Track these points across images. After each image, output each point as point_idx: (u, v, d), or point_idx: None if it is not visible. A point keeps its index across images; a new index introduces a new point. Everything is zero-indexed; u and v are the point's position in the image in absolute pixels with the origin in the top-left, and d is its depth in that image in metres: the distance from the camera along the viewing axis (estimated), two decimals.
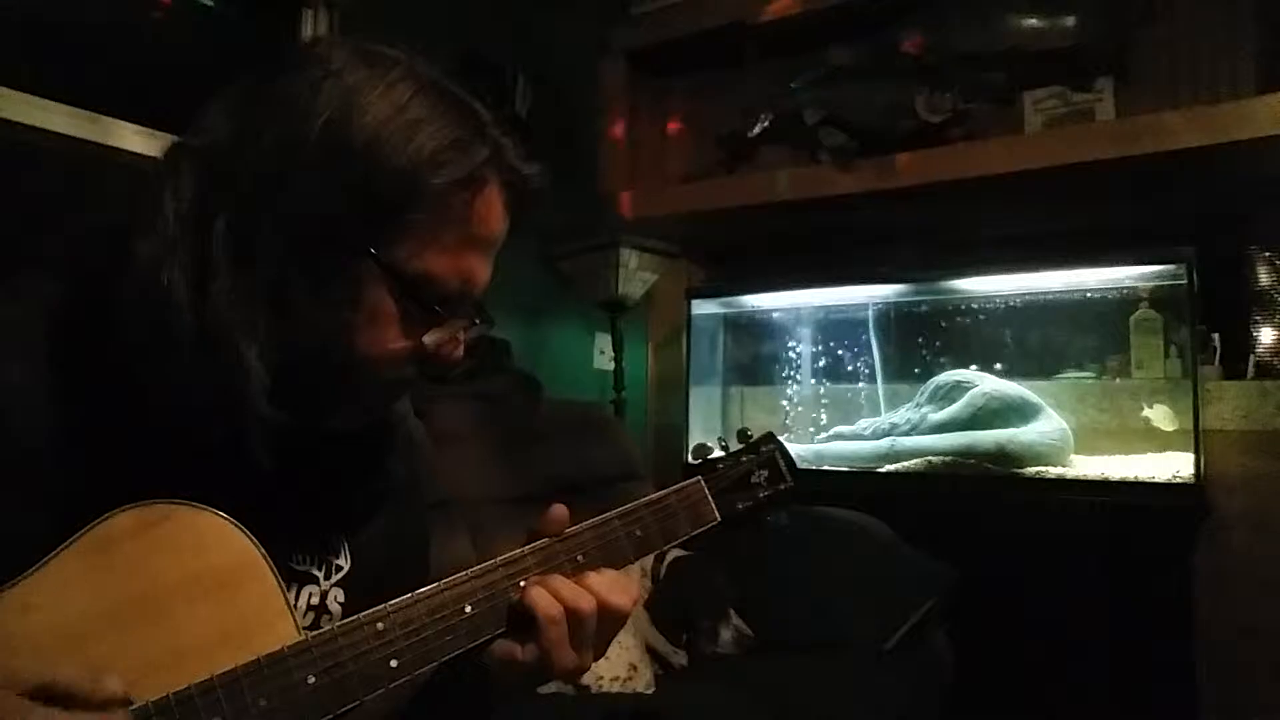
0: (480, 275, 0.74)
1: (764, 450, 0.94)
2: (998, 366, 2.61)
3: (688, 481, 0.88)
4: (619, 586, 0.76)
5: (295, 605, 0.76)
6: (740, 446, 0.95)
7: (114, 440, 0.66)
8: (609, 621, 0.76)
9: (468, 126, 0.71)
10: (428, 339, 0.72)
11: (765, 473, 0.93)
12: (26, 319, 0.68)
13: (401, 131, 0.67)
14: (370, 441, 0.83)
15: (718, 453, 0.94)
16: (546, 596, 0.73)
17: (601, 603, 0.74)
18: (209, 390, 0.65)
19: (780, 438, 0.97)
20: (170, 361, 0.65)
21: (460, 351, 0.75)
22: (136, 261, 0.65)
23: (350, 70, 0.69)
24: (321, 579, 0.78)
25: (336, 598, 0.79)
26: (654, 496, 0.85)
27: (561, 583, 0.74)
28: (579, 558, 0.78)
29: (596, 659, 0.77)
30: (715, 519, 0.88)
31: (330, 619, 0.79)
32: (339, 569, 0.80)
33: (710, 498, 0.88)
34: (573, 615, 0.73)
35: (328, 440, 0.76)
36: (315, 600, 0.78)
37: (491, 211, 0.73)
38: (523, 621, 0.73)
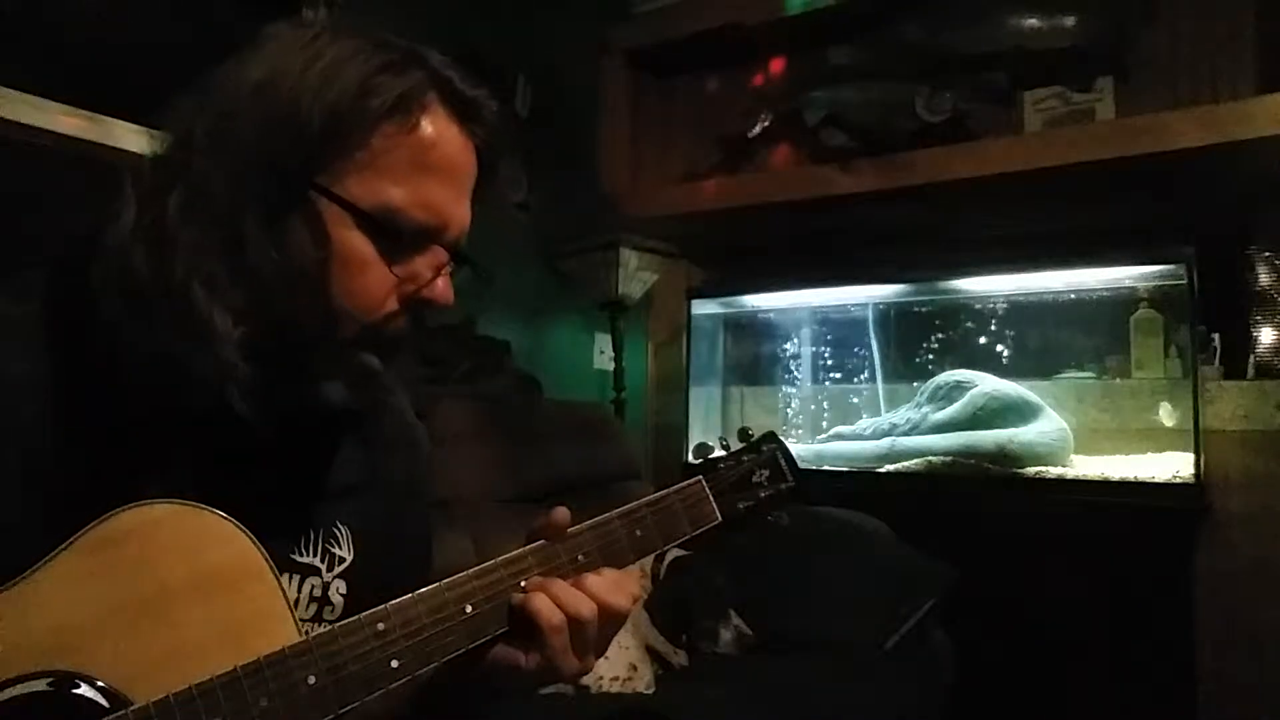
0: (446, 205, 0.73)
1: (765, 449, 0.94)
2: (998, 366, 2.61)
3: (689, 481, 0.88)
4: (618, 587, 0.76)
5: (298, 596, 0.76)
6: (741, 446, 0.94)
7: (111, 435, 0.67)
8: (609, 622, 0.76)
9: (398, 55, 0.71)
10: (404, 271, 0.71)
11: (767, 472, 0.92)
12: (26, 318, 0.69)
13: (327, 70, 0.68)
14: (368, 426, 0.83)
15: (719, 452, 0.94)
16: (548, 604, 0.73)
17: (601, 605, 0.74)
18: (182, 356, 0.65)
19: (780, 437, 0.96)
20: (142, 335, 0.66)
21: (448, 290, 0.74)
22: (105, 247, 0.67)
23: (277, 38, 0.71)
24: (324, 571, 0.79)
25: (339, 589, 0.80)
26: (655, 496, 0.85)
27: (562, 588, 0.74)
28: (579, 558, 0.78)
29: (597, 658, 0.77)
30: (716, 519, 0.88)
31: (332, 610, 0.79)
32: (341, 561, 0.80)
33: (711, 497, 0.88)
34: (574, 622, 0.73)
35: (327, 420, 0.76)
36: (318, 592, 0.78)
37: (441, 136, 0.72)
38: (525, 628, 0.73)
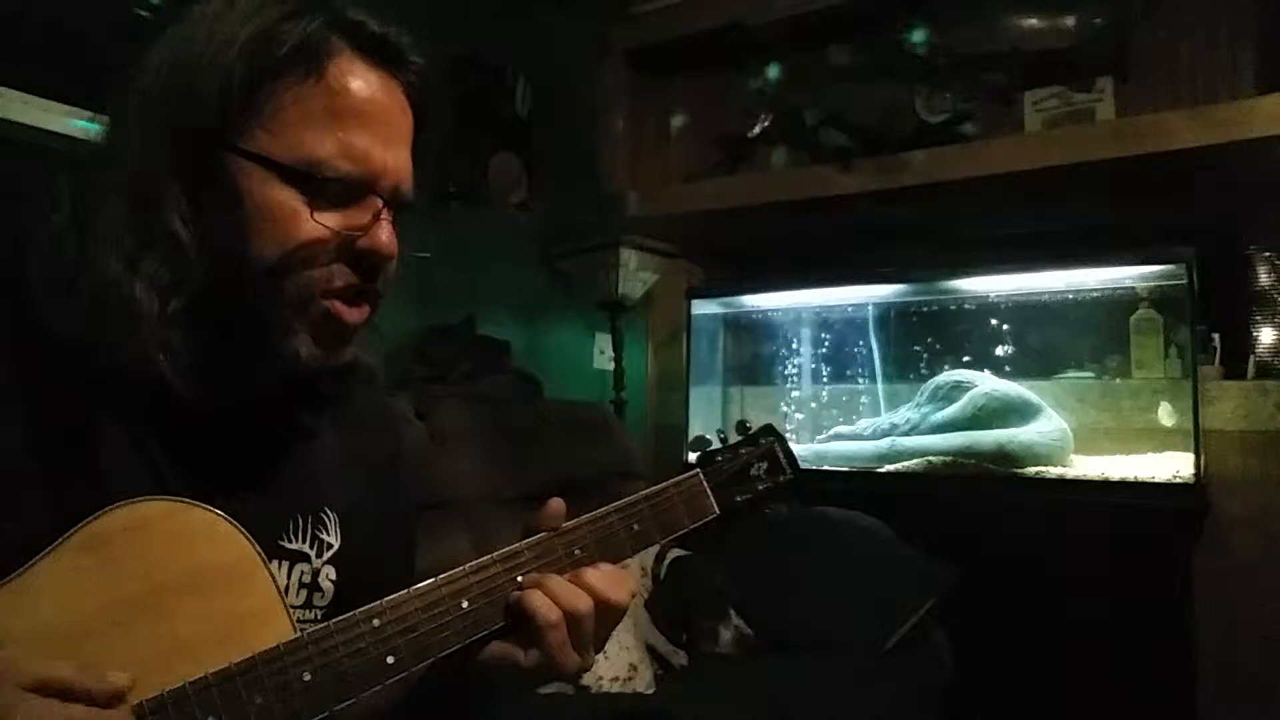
0: (371, 151, 0.70)
1: (763, 442, 0.93)
2: (998, 366, 2.60)
3: (686, 474, 0.87)
4: (615, 582, 0.76)
5: (288, 583, 0.76)
6: (739, 439, 0.94)
7: (87, 434, 0.67)
8: (607, 618, 0.75)
9: (297, 5, 0.70)
10: (338, 222, 0.70)
11: (764, 465, 0.92)
12: None
13: (225, 33, 0.68)
14: (345, 410, 0.83)
15: (716, 445, 0.93)
16: (545, 600, 0.72)
17: (599, 600, 0.74)
18: (107, 339, 0.65)
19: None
20: (73, 325, 0.66)
21: (391, 239, 0.72)
22: (40, 242, 0.68)
23: (191, 14, 0.71)
24: (313, 557, 0.79)
25: (328, 575, 0.80)
26: (651, 490, 0.84)
27: (558, 584, 0.74)
28: (576, 552, 0.77)
29: (596, 654, 0.77)
30: (714, 512, 0.87)
31: (322, 596, 0.79)
32: (329, 547, 0.80)
33: (709, 490, 0.87)
34: (571, 617, 0.72)
35: (303, 385, 0.76)
36: (307, 578, 0.78)
37: (355, 80, 0.71)
38: (522, 624, 0.73)
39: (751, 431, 0.94)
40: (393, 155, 0.72)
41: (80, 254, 0.66)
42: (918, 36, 2.47)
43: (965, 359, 2.67)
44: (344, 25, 0.71)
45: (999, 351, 2.64)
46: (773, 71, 2.71)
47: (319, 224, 0.69)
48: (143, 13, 1.69)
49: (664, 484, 0.85)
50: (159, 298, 0.66)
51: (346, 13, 0.72)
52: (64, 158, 0.72)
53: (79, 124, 1.67)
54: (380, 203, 0.72)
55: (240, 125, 0.68)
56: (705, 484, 0.87)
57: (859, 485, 2.50)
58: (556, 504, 0.78)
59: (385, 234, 0.72)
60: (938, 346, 2.75)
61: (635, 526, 0.82)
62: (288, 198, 0.68)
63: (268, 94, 0.68)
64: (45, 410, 0.66)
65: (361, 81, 0.71)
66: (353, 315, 0.72)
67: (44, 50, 1.59)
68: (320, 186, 0.69)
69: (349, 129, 0.70)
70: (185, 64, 0.68)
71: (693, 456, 0.93)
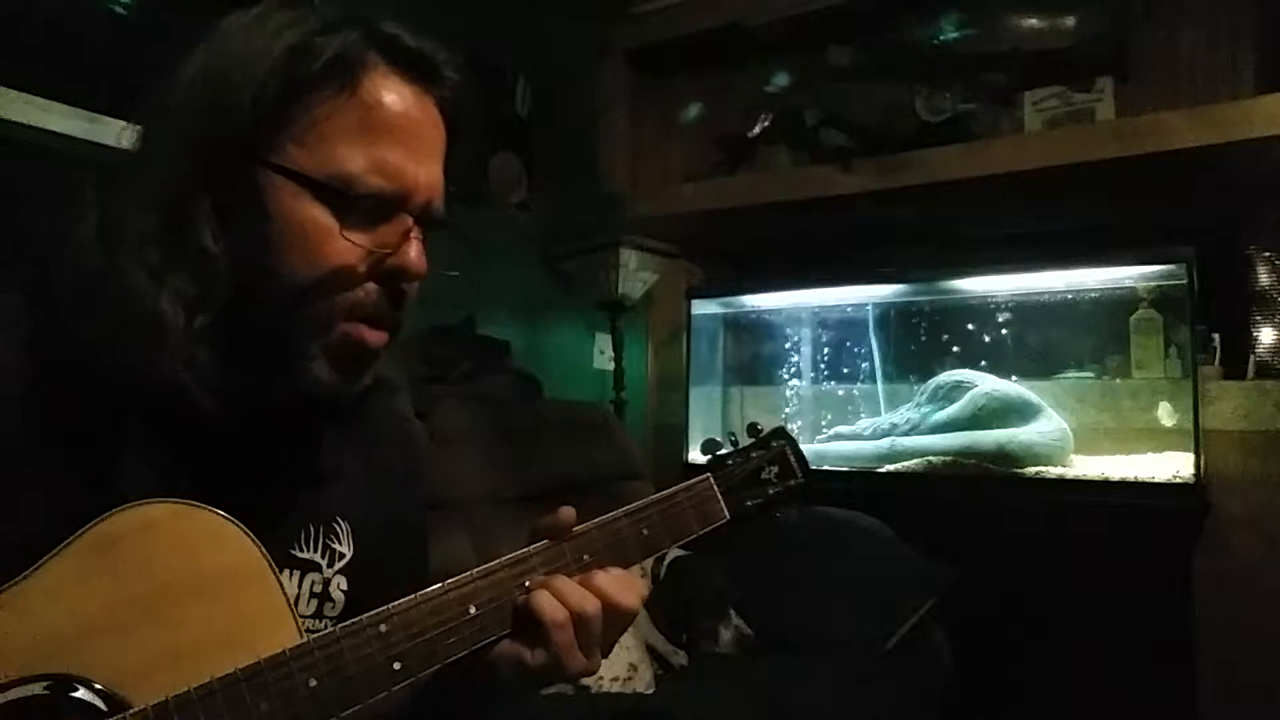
0: (404, 167, 0.69)
1: (774, 445, 0.92)
2: (998, 366, 2.60)
3: (696, 479, 0.86)
4: (624, 586, 0.75)
5: (299, 593, 0.76)
6: (750, 441, 0.93)
7: (97, 435, 0.66)
8: (616, 621, 0.75)
9: (334, 19, 0.70)
10: (369, 240, 0.69)
11: (776, 469, 0.91)
12: (13, 310, 0.68)
13: (260, 45, 0.67)
14: (363, 419, 0.82)
15: (727, 448, 0.93)
16: (552, 601, 0.72)
17: (608, 603, 0.73)
18: (129, 351, 0.65)
19: None
20: (94, 334, 0.65)
21: (420, 257, 0.71)
22: (67, 248, 0.67)
23: (224, 25, 0.70)
24: (324, 566, 0.78)
25: (339, 585, 0.79)
26: (662, 494, 0.83)
27: (566, 585, 0.73)
28: (585, 557, 0.77)
29: (604, 656, 0.76)
30: (724, 517, 0.86)
31: (333, 606, 0.78)
32: (341, 556, 0.79)
33: (719, 495, 0.86)
34: (578, 618, 0.72)
35: (321, 404, 0.75)
36: (318, 588, 0.77)
37: (389, 95, 0.70)
38: (529, 626, 0.72)
39: (763, 434, 0.93)
40: (425, 171, 0.71)
41: (105, 264, 0.65)
42: (937, 33, 2.46)
43: (965, 359, 2.67)
44: (379, 39, 0.70)
45: (999, 351, 2.64)
46: (779, 79, 2.71)
47: (349, 241, 0.68)
48: (118, 9, 1.68)
49: (674, 488, 0.85)
50: (185, 312, 0.65)
51: (381, 27, 0.71)
52: (92, 167, 0.71)
53: (79, 124, 1.67)
54: (410, 220, 0.71)
55: (272, 139, 0.67)
56: (716, 489, 0.87)
57: (859, 485, 2.50)
58: (567, 512, 0.77)
59: (415, 252, 0.71)
60: (938, 346, 2.75)
61: (645, 531, 0.81)
62: (319, 214, 0.67)
63: (301, 108, 0.67)
64: (60, 415, 0.66)
65: (395, 96, 0.70)
66: (374, 339, 0.72)
67: (44, 50, 1.59)
68: (352, 203, 0.68)
69: (382, 144, 0.69)
70: (218, 76, 0.67)
71: (701, 456, 0.92)
